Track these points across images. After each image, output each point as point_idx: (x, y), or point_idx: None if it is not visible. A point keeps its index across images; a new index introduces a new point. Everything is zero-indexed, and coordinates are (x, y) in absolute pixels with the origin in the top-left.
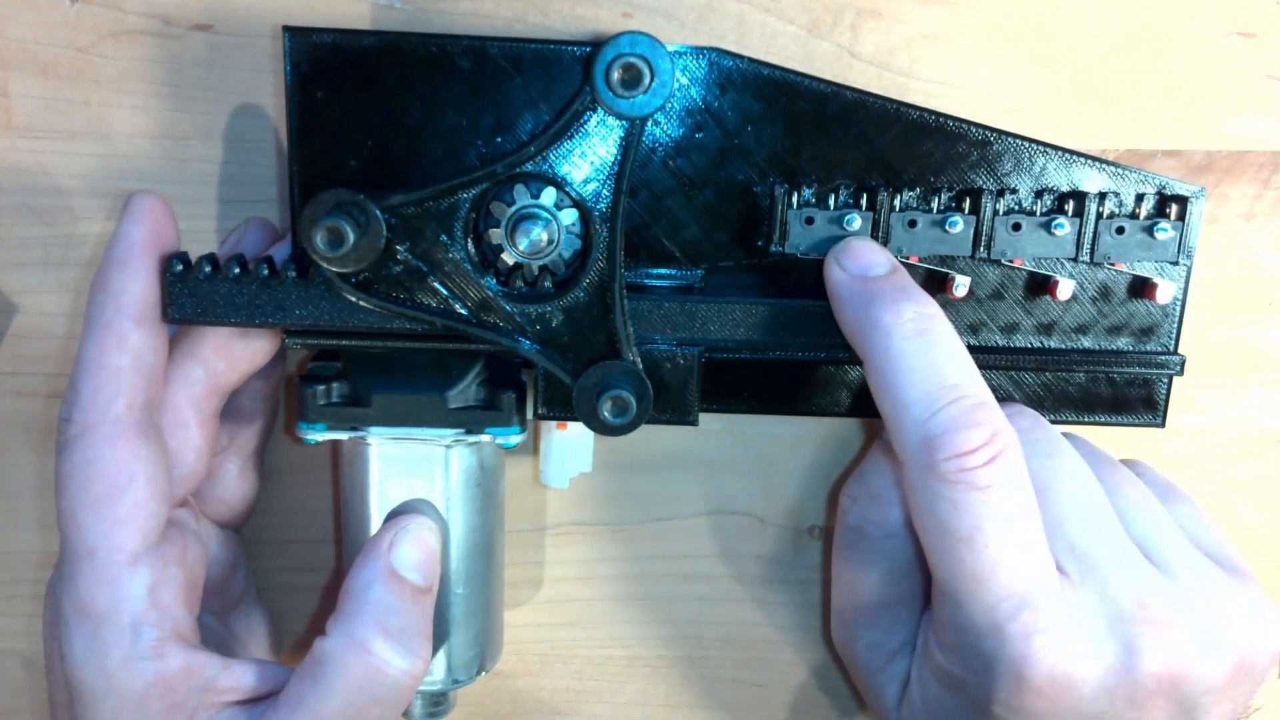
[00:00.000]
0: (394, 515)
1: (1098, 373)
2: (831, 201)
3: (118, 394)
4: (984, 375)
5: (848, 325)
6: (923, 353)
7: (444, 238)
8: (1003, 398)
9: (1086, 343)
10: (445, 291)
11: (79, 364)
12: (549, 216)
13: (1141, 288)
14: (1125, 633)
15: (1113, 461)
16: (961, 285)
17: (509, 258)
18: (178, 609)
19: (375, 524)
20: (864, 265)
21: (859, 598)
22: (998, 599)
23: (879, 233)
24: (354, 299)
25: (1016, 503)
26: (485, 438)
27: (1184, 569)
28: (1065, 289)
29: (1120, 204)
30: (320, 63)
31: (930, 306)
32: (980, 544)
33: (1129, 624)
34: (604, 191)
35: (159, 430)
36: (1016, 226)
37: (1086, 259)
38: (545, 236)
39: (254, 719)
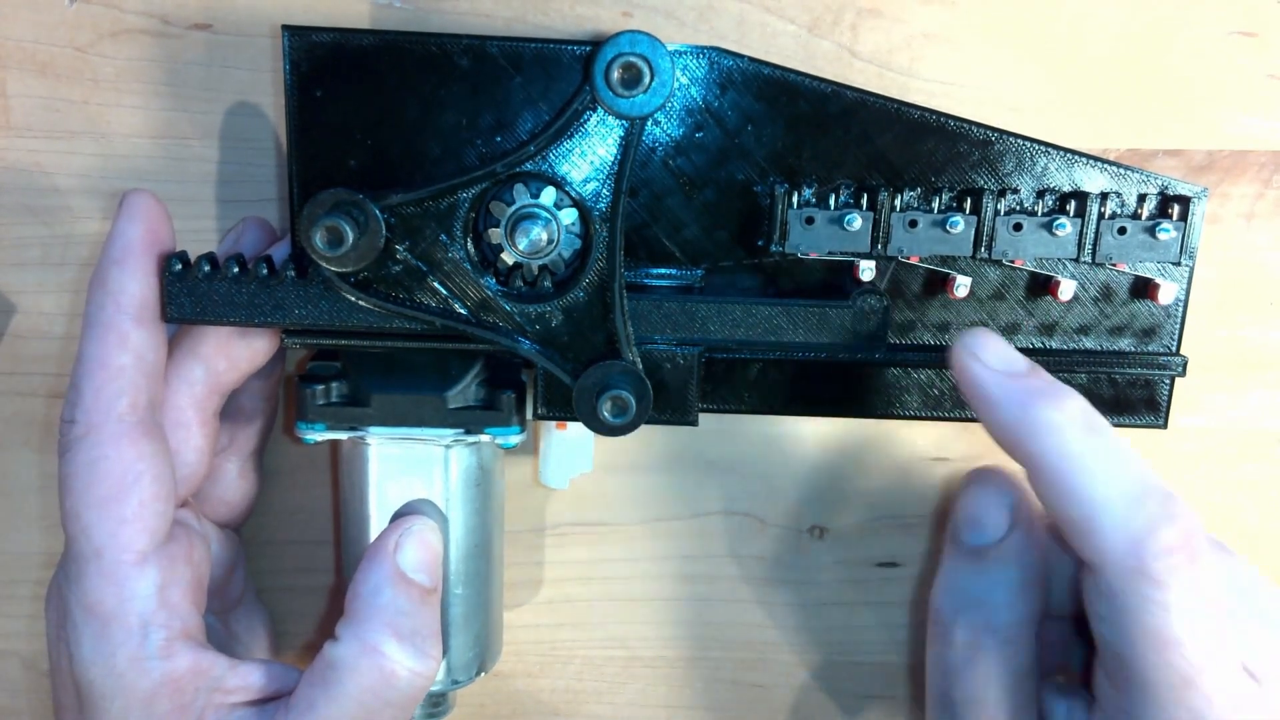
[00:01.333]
0: (398, 517)
1: (1099, 374)
2: (832, 201)
3: (120, 393)
4: None
5: (1002, 427)
6: (1102, 449)
7: (443, 237)
8: None
9: (1088, 343)
10: (445, 291)
11: (80, 364)
12: (549, 216)
13: (1143, 288)
14: None
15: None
16: (963, 286)
17: (508, 257)
18: (186, 608)
19: (375, 524)
20: (1007, 360)
21: (979, 716)
22: (1205, 704)
23: (879, 232)
24: (353, 299)
25: (1221, 599)
26: (485, 438)
27: None
28: (1067, 289)
29: (1122, 204)
30: (319, 62)
31: (1083, 399)
32: (1190, 647)
33: None
34: (604, 191)
35: (162, 429)
36: (1018, 227)
37: (1088, 259)
38: (545, 236)
39: None
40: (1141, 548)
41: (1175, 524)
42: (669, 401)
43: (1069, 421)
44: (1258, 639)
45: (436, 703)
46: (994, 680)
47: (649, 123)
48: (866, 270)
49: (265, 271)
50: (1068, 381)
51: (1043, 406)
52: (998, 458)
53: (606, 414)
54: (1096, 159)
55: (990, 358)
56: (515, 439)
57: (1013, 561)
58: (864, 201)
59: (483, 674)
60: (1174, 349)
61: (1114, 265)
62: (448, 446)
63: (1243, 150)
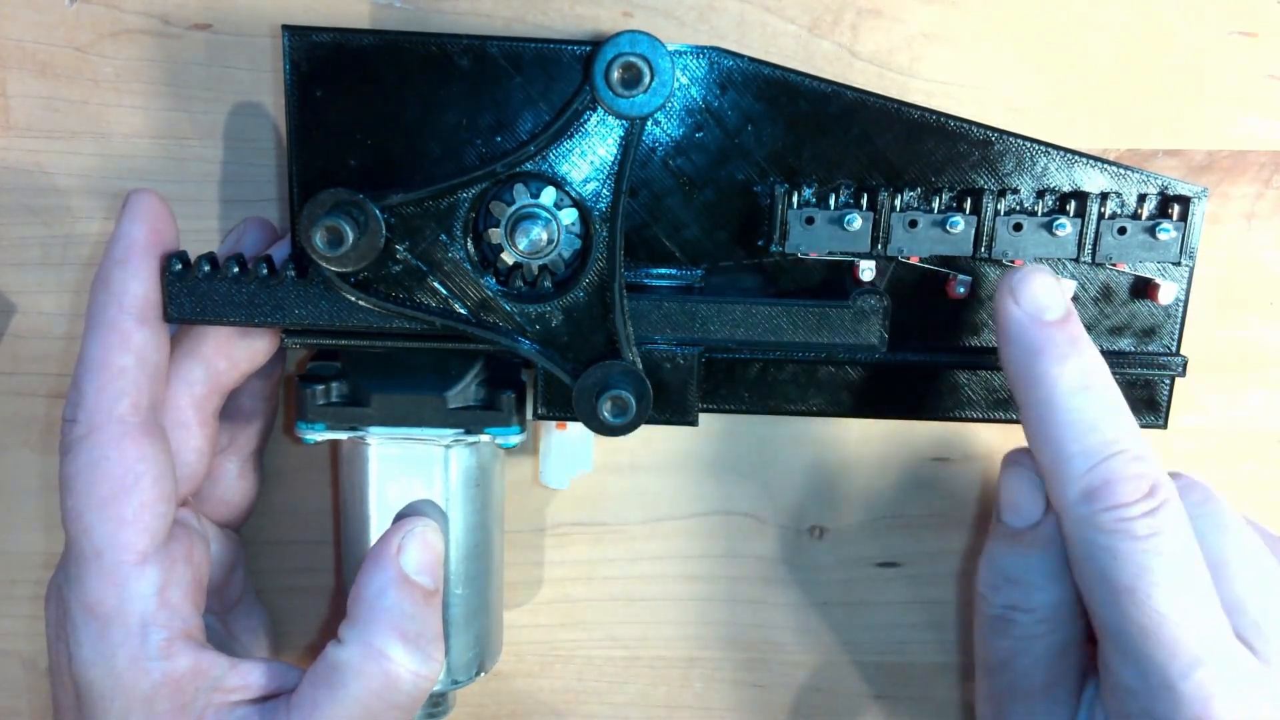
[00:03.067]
0: (400, 518)
1: None
2: (832, 201)
3: (122, 394)
4: (985, 376)
5: (1010, 365)
6: (1086, 407)
7: (443, 237)
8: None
9: None
10: (445, 291)
11: (82, 364)
12: (549, 216)
13: (1143, 288)
14: None
15: (1277, 539)
16: (962, 286)
17: (508, 257)
18: (186, 609)
19: (375, 524)
20: (1040, 305)
21: (1012, 686)
22: (1168, 655)
23: (879, 232)
24: (353, 299)
25: (1180, 556)
26: (485, 438)
27: None
28: (1067, 289)
29: (1122, 204)
30: (319, 62)
31: (1096, 360)
32: (1143, 595)
33: None
34: (604, 191)
35: (163, 430)
36: (1018, 227)
37: (1088, 259)
38: (545, 236)
39: (265, 719)
40: (1094, 498)
41: (1133, 480)
42: (669, 401)
43: (1063, 376)
44: (1261, 615)
45: (437, 703)
46: (1025, 653)
47: (649, 123)
48: (866, 270)
49: (265, 271)
50: None
51: (1046, 359)
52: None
53: (606, 414)
54: (1096, 159)
55: (1024, 299)
56: (515, 439)
57: (1048, 545)
58: (864, 201)
59: (483, 674)
60: (1174, 349)
61: (1114, 265)
62: (448, 446)
63: (1243, 150)
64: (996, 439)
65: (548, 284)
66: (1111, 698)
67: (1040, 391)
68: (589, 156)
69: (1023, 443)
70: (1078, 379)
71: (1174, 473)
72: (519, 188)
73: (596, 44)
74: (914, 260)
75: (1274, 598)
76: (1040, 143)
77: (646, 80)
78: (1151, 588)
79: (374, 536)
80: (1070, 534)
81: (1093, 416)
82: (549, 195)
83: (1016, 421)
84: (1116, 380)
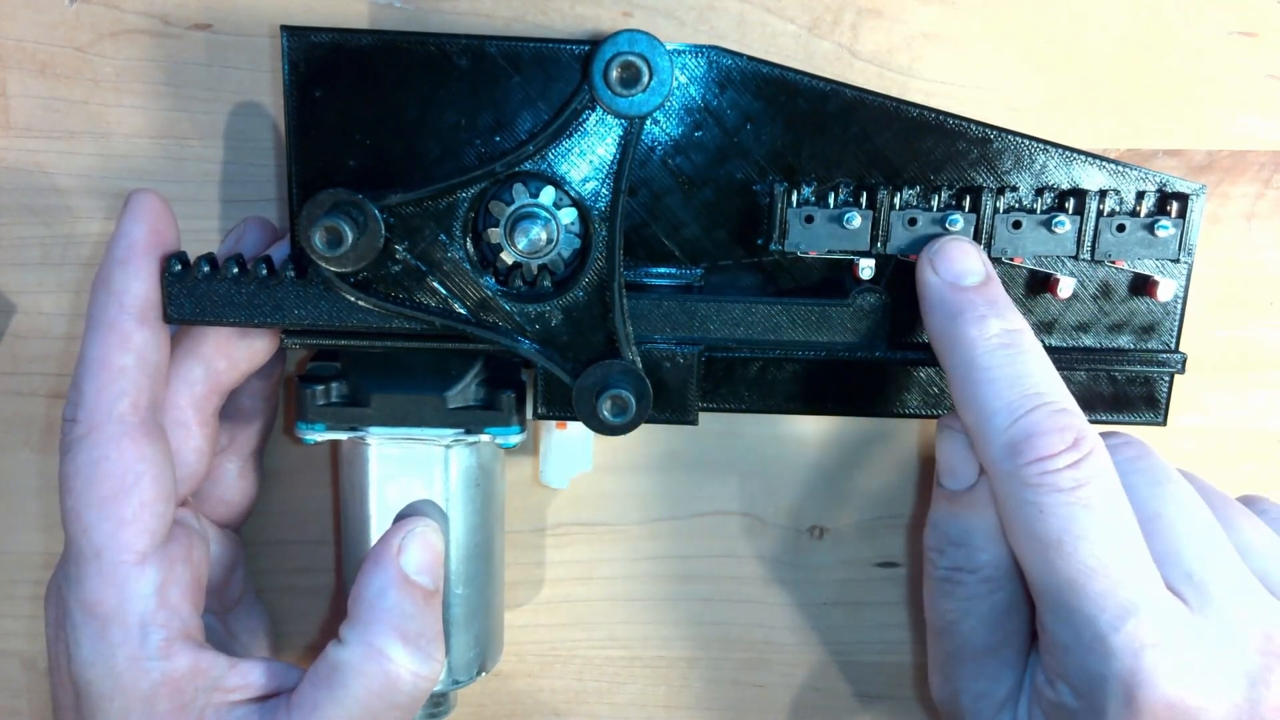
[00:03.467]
0: (400, 518)
1: (1099, 371)
2: (831, 200)
3: (122, 394)
4: None
5: (932, 332)
6: (1007, 364)
7: (443, 237)
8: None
9: (1087, 341)
10: (444, 291)
11: (82, 363)
12: (548, 215)
13: (1142, 285)
14: (1251, 665)
15: (1226, 497)
16: None
17: (508, 257)
18: (185, 609)
19: (375, 524)
20: (957, 272)
21: (961, 648)
22: (1098, 608)
23: (879, 230)
24: (353, 299)
25: (1106, 507)
26: (485, 438)
27: None
28: (1066, 287)
29: (1121, 201)
30: (319, 62)
31: (1017, 321)
32: (1069, 548)
33: (1255, 656)
34: (603, 190)
35: (163, 430)
36: (1017, 224)
37: (1087, 257)
38: (544, 236)
39: (265, 718)
40: (1017, 452)
41: (1056, 433)
42: (669, 401)
43: (983, 336)
44: (1194, 565)
45: (438, 703)
46: (971, 614)
47: (648, 122)
48: (866, 268)
49: (265, 272)
50: (1067, 380)
51: (966, 321)
52: None
53: (606, 413)
54: (1095, 156)
55: (942, 267)
56: (515, 439)
57: (986, 505)
58: (863, 200)
59: (483, 674)
60: (1173, 346)
61: (1113, 262)
62: (448, 446)
63: (1243, 150)
64: None
65: (547, 283)
66: (1049, 655)
67: (961, 352)
68: (588, 156)
69: None
70: (997, 338)
71: (1109, 431)
72: (518, 187)
73: (595, 43)
74: (913, 259)
75: (1209, 550)
76: (1039, 140)
77: (645, 79)
78: (1078, 540)
79: (374, 536)
80: (998, 491)
81: (1013, 373)
82: (548, 195)
83: None
84: (1116, 377)
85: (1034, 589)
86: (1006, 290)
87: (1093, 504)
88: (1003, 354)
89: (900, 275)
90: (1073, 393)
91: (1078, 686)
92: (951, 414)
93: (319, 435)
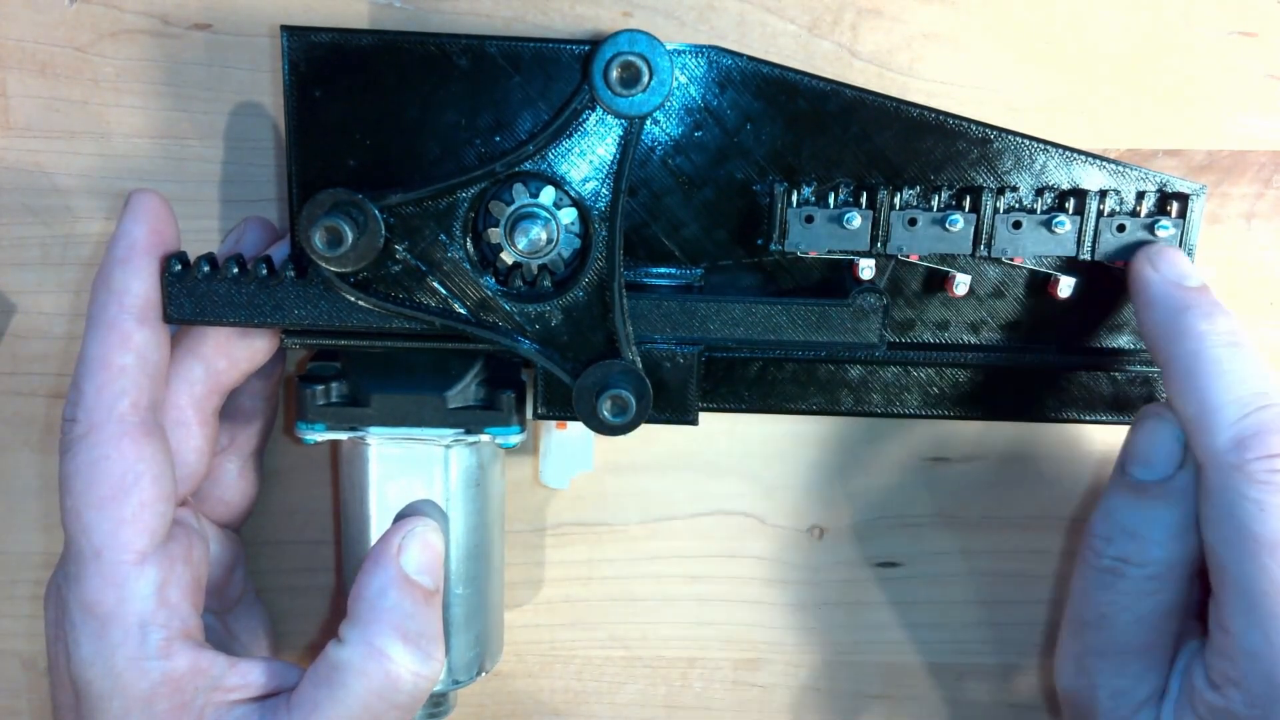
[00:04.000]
0: (400, 517)
1: (1099, 371)
2: (831, 200)
3: (122, 393)
4: (986, 374)
5: (1154, 327)
6: (1237, 360)
7: (443, 237)
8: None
9: (1088, 341)
10: (444, 291)
11: (82, 363)
12: (548, 215)
13: None
14: None
15: None
16: (962, 284)
17: (508, 257)
18: (185, 608)
19: (375, 524)
20: (1180, 273)
21: (1109, 642)
22: None
23: (879, 230)
24: (353, 299)
25: None
26: (485, 438)
27: None
28: (1066, 287)
29: (1121, 202)
30: (319, 62)
31: (1240, 324)
32: None
33: None
34: (603, 190)
35: (163, 429)
36: (1017, 225)
37: (1087, 257)
38: (544, 236)
39: (265, 717)
40: (1245, 446)
41: None
42: (669, 401)
43: (1214, 331)
44: None
45: (438, 703)
46: (1128, 609)
47: (648, 122)
48: (866, 269)
49: (265, 272)
50: (1067, 380)
51: (1195, 315)
52: (1004, 454)
53: (606, 413)
54: (1095, 156)
55: (1164, 266)
56: (515, 439)
57: (1176, 502)
58: (863, 200)
59: (483, 674)
60: None
61: (1113, 262)
62: (448, 446)
63: (1243, 150)
64: (996, 439)
65: (547, 283)
66: (1223, 660)
67: (1189, 344)
68: (588, 156)
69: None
70: (1227, 335)
71: None
72: (518, 187)
73: (595, 43)
74: (913, 258)
75: None
76: (1039, 140)
77: (645, 79)
78: None
79: (374, 536)
80: (1213, 485)
81: (1245, 370)
82: (548, 195)
83: (1017, 420)
84: (1117, 378)
85: (1229, 589)
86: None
87: None
88: (1233, 350)
89: (900, 275)
90: (1074, 393)
91: (1255, 694)
92: (1159, 403)
93: (319, 435)
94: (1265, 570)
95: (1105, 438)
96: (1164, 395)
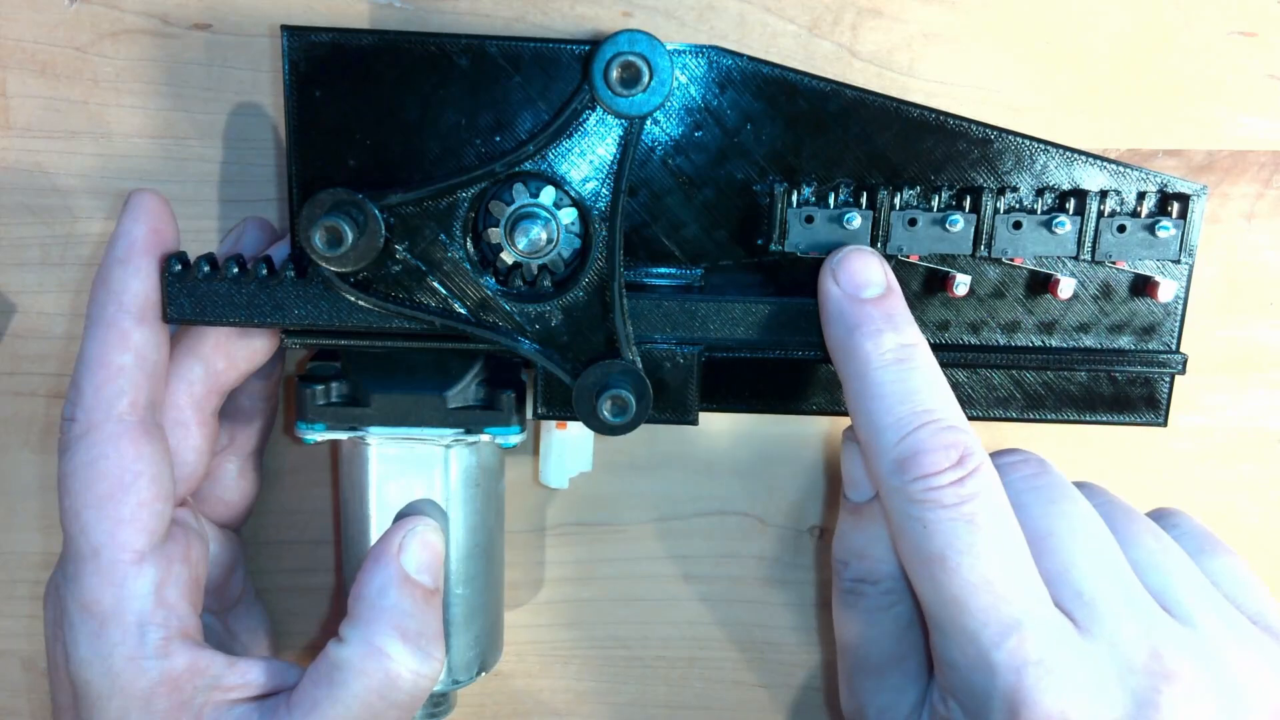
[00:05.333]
0: (400, 517)
1: (1099, 371)
2: (831, 200)
3: (121, 392)
4: (985, 374)
5: (830, 343)
6: (899, 380)
7: (443, 237)
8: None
9: (1088, 341)
10: (444, 291)
11: (81, 362)
12: (548, 215)
13: (1143, 286)
14: (1138, 685)
15: (1131, 511)
16: (962, 284)
17: (508, 257)
18: (183, 608)
19: (375, 524)
20: (857, 284)
21: (865, 660)
22: (980, 624)
23: (879, 230)
24: (353, 298)
25: (991, 524)
26: (485, 437)
27: (1208, 620)
28: (1066, 287)
29: (1121, 202)
30: (319, 62)
31: (913, 336)
32: (953, 564)
33: (1142, 676)
34: (603, 190)
35: (162, 429)
36: (1017, 225)
37: (1088, 257)
38: (544, 236)
39: (264, 716)
40: (904, 469)
41: (941, 450)
42: (669, 401)
43: (877, 351)
44: (1084, 583)
45: (438, 703)
46: (874, 625)
47: (648, 122)
48: None
49: (265, 272)
50: (1067, 379)
51: (862, 335)
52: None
53: (606, 413)
54: (1095, 157)
55: (843, 278)
56: (515, 439)
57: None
58: (863, 200)
59: (483, 674)
60: (1174, 346)
61: (1113, 263)
62: (448, 446)
63: (1243, 150)
64: (996, 438)
65: (547, 283)
66: (939, 673)
67: (855, 366)
68: (588, 156)
69: None
70: (891, 353)
71: (1010, 449)
72: (518, 187)
73: (595, 43)
74: (913, 259)
75: (1100, 567)
76: (1039, 141)
77: (645, 79)
78: (960, 556)
79: (374, 536)
80: (887, 507)
81: (904, 389)
82: (548, 195)
83: (1016, 419)
84: (1117, 378)
85: (923, 606)
86: (1007, 293)
87: (977, 520)
88: (895, 370)
89: (900, 276)
90: (1074, 393)
91: (966, 704)
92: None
93: (319, 435)
94: (939, 585)
95: (1105, 437)
96: None
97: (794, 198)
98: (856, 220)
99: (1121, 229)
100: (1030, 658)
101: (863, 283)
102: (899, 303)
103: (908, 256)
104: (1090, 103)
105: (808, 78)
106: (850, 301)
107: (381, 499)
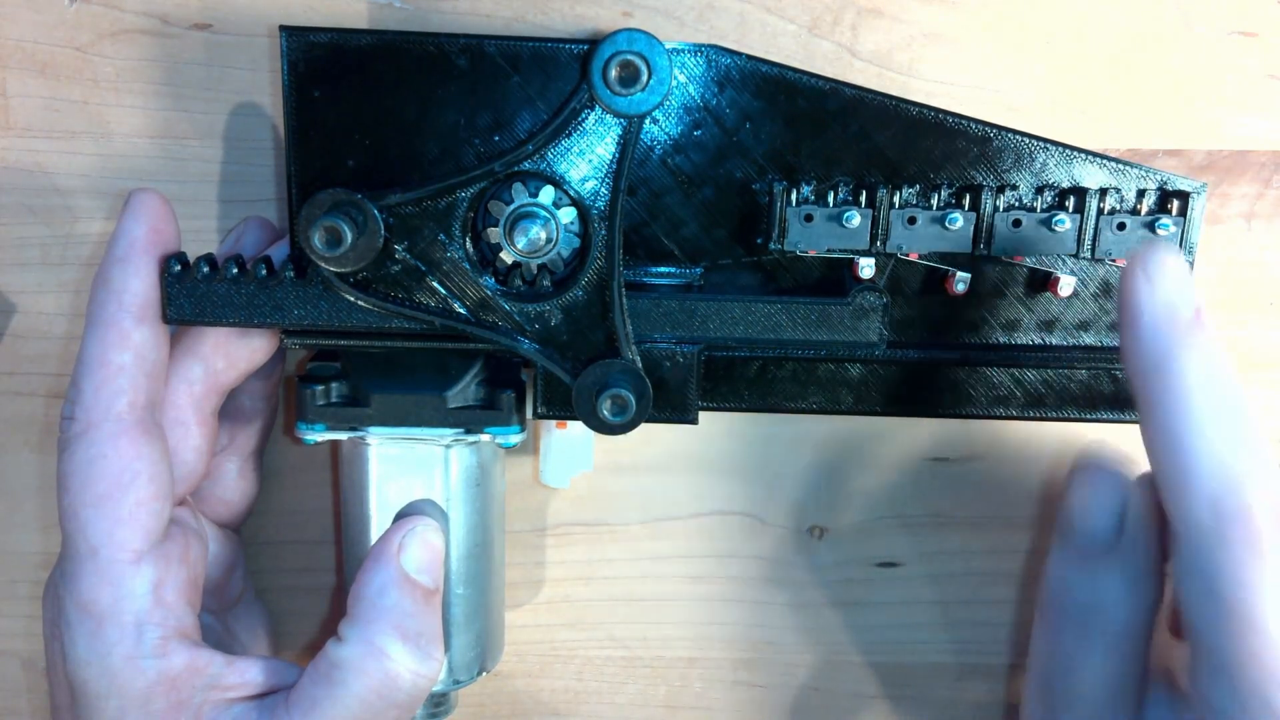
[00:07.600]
0: (400, 517)
1: (1100, 370)
2: (830, 199)
3: (120, 392)
4: (985, 373)
5: (1140, 359)
6: (1224, 420)
7: (442, 237)
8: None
9: (1088, 339)
10: (444, 291)
11: (81, 362)
12: (547, 215)
13: None
14: None
15: None
16: (962, 282)
17: (507, 257)
18: (181, 607)
19: (375, 524)
20: (1177, 294)
21: (1074, 693)
22: (1266, 676)
23: (878, 229)
24: (352, 299)
25: None
26: (485, 437)
27: None
28: (1066, 285)
29: (1121, 200)
30: (318, 62)
31: (1229, 362)
32: (1251, 613)
33: None
34: (602, 189)
35: (161, 428)
36: (1017, 223)
37: (1087, 255)
38: (544, 235)
39: (263, 715)
40: (1222, 516)
41: (1266, 485)
42: (669, 400)
43: (1204, 384)
44: None
45: (438, 703)
46: (1100, 683)
47: (647, 121)
48: (866, 267)
49: (264, 272)
50: (1067, 378)
51: (1187, 358)
52: (1004, 454)
53: (606, 413)
54: (1095, 155)
55: (1162, 284)
56: (515, 438)
57: (1125, 567)
58: (863, 199)
59: (484, 674)
60: None
61: (1113, 261)
62: (448, 446)
63: (1243, 150)
64: (996, 438)
65: (547, 283)
66: (1196, 699)
67: (1172, 389)
68: (587, 155)
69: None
70: (1220, 386)
71: None
72: (517, 187)
73: (594, 42)
74: (913, 257)
75: None
76: (1039, 139)
77: (644, 78)
78: (1261, 607)
79: (374, 536)
80: (1189, 548)
81: (1231, 430)
82: (548, 194)
83: (1016, 418)
84: (1118, 376)
85: (1197, 648)
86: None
87: None
88: (1219, 403)
89: (899, 274)
90: (1074, 392)
91: None
92: (1096, 454)
93: (319, 435)
94: (1255, 655)
95: (1105, 436)
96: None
97: (793, 196)
98: (856, 219)
99: (1121, 227)
100: None
101: (1182, 294)
102: (1210, 319)
103: (907, 255)
104: (1090, 103)
105: (806, 76)
106: (1168, 319)
107: (381, 499)
